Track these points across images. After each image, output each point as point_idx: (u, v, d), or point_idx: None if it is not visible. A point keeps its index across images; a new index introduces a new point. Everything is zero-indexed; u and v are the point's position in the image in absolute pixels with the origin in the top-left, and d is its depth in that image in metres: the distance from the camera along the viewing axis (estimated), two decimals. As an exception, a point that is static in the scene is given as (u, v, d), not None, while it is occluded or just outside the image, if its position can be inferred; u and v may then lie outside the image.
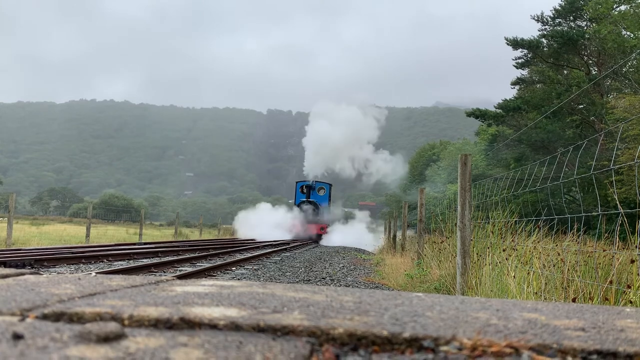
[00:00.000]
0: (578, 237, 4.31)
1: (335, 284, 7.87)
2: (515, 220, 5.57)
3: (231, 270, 9.35)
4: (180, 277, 5.35)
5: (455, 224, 5.53)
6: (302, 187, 33.38)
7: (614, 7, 25.40)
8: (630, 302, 3.01)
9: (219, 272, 8.80)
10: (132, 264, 9.29)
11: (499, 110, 26.76)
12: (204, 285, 1.22)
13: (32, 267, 8.09)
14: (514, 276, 4.07)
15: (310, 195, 32.53)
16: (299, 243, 24.79)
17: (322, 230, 30.15)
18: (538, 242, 4.86)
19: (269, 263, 11.40)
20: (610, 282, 3.22)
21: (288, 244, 22.81)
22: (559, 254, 4.17)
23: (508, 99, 27.20)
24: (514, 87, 30.61)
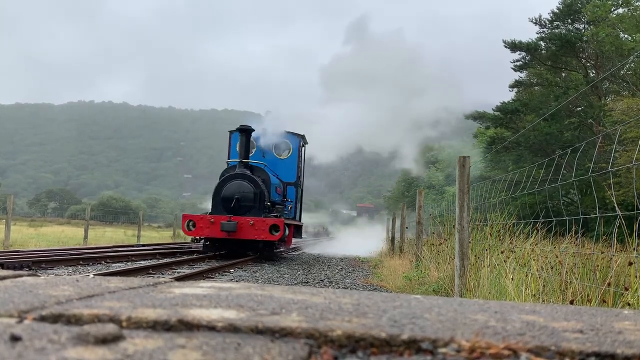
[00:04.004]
0: (576, 240, 4.31)
1: (333, 286, 7.87)
2: (514, 223, 5.58)
3: (229, 272, 9.34)
4: (178, 279, 5.34)
5: (454, 225, 5.54)
6: (241, 139, 13.44)
7: (612, 10, 25.49)
8: (628, 304, 3.02)
9: (217, 274, 8.79)
10: (130, 265, 9.29)
11: (497, 113, 26.83)
12: (202, 287, 1.22)
13: (30, 269, 8.07)
14: (512, 278, 4.07)
15: (256, 154, 14.62)
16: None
17: (276, 232, 11.89)
18: (536, 244, 4.87)
19: (267, 265, 11.39)
20: (608, 284, 3.22)
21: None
22: (557, 256, 4.17)
23: (506, 101, 27.28)
24: (512, 90, 30.68)
